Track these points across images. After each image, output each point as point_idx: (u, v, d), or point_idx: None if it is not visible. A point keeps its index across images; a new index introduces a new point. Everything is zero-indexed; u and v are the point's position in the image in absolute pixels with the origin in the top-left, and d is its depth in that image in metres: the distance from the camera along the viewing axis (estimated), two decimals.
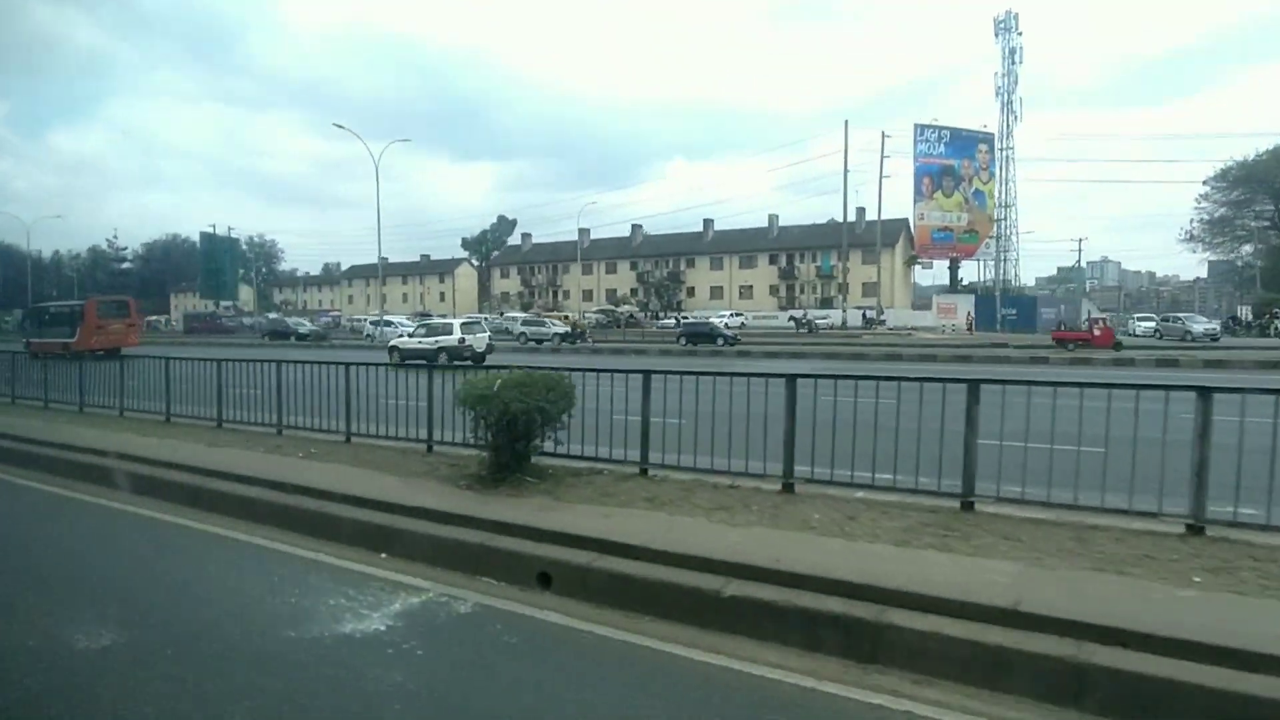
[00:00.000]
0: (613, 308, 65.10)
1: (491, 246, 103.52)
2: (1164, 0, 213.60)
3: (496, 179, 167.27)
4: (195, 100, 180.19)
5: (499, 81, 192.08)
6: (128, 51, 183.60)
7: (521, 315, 59.61)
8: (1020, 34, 62.52)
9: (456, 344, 24.67)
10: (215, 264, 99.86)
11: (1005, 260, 64.11)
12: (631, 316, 58.37)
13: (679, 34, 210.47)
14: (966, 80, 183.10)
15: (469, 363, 19.97)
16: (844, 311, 51.01)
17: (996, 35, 62.27)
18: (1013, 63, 62.80)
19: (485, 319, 62.39)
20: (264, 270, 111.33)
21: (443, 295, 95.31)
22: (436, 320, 34.12)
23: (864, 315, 50.94)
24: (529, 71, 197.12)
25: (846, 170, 47.43)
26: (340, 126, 52.84)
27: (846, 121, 44.00)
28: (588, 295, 75.90)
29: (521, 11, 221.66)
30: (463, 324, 27.31)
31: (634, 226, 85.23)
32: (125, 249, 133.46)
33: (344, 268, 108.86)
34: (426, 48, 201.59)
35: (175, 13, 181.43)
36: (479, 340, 25.78)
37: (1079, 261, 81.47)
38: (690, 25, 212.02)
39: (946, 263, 60.76)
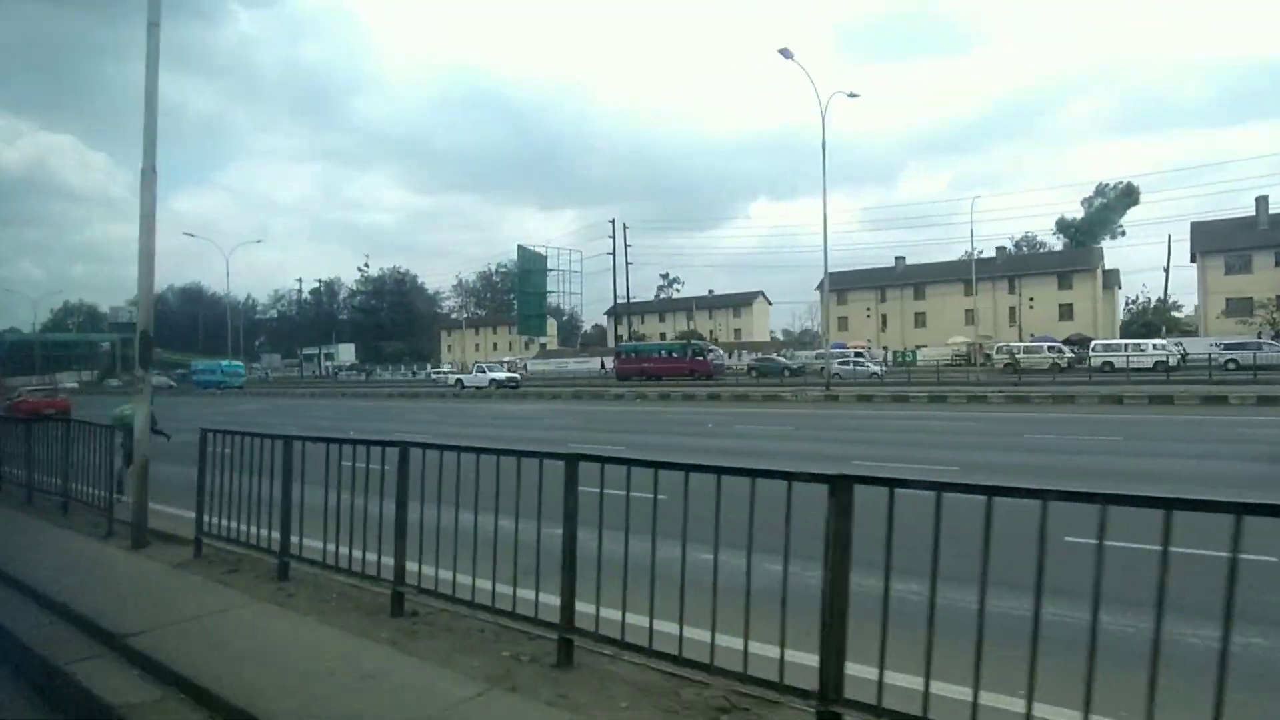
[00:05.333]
0: None
1: (1097, 227, 69.39)
2: None
3: (583, 224, 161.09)
4: (299, 159, 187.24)
5: (585, 128, 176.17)
6: (240, 116, 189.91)
7: None
8: None
9: None
10: (531, 288, 72.64)
11: None
12: None
13: (753, 72, 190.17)
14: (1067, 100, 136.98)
15: None
16: None
17: None
18: None
19: None
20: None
21: (1068, 308, 59.81)
22: None
23: None
24: (615, 114, 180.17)
25: None
26: None
27: None
28: None
29: (607, 56, 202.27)
30: None
31: None
32: (398, 273, 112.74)
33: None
34: (516, 96, 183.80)
35: (283, 77, 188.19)
36: None
37: None
38: (761, 63, 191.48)
39: None
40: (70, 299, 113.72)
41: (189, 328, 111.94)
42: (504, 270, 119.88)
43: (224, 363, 65.79)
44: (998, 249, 64.71)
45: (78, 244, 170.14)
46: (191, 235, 63.64)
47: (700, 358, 49.89)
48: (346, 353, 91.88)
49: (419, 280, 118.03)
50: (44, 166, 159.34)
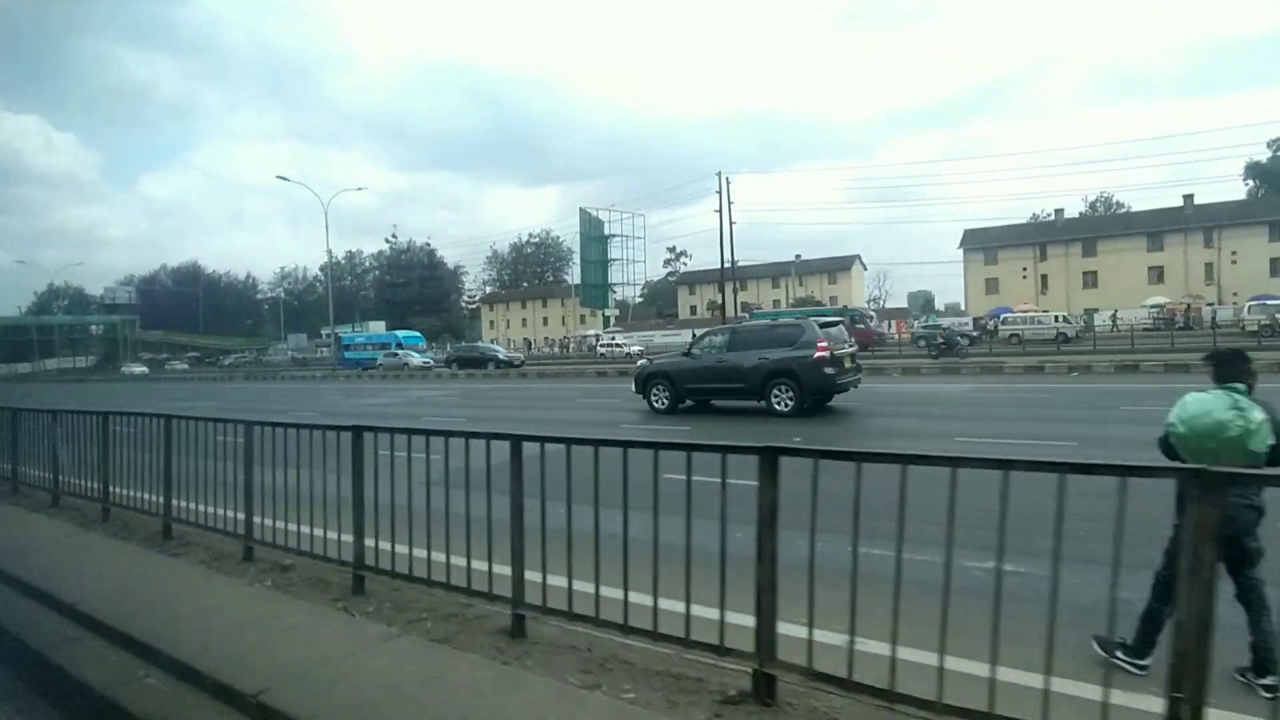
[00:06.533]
0: None
1: None
2: None
3: (565, 202, 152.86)
4: (273, 139, 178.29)
5: (565, 104, 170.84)
6: (211, 96, 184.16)
7: None
8: None
9: None
10: (596, 257, 63.45)
11: None
12: None
13: (737, 46, 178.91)
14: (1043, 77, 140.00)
15: None
16: None
17: None
18: None
19: None
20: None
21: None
22: None
23: None
24: (594, 92, 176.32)
25: None
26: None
27: None
28: None
29: (585, 33, 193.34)
30: None
31: None
32: (425, 246, 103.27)
33: None
34: (493, 75, 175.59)
35: (255, 56, 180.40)
36: None
37: None
38: (748, 36, 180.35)
39: None
40: (56, 282, 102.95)
41: (187, 307, 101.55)
42: (535, 241, 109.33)
43: (400, 334, 51.00)
44: (1186, 198, 54.06)
45: (49, 228, 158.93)
46: (285, 179, 51.90)
47: (862, 326, 40.46)
48: (377, 331, 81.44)
49: (438, 254, 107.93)
50: (9, 149, 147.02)
